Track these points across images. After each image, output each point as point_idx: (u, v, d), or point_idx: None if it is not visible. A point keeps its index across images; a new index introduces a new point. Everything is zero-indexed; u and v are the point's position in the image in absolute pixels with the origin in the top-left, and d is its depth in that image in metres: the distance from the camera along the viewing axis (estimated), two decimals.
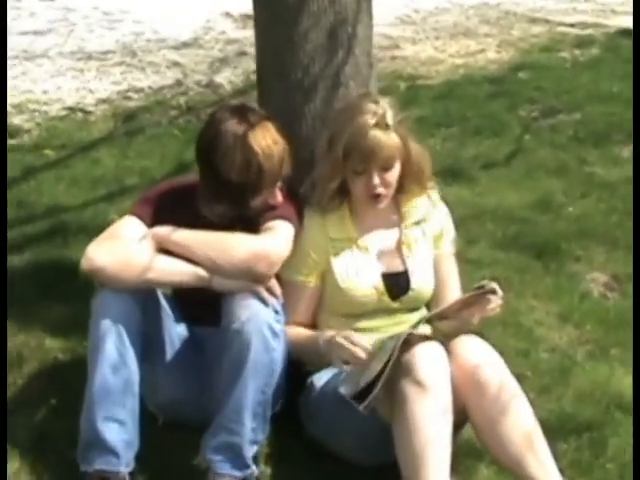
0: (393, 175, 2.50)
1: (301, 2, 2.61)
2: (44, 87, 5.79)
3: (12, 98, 5.55)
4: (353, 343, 2.35)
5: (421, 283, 2.59)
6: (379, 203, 2.53)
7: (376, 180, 2.47)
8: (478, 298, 2.40)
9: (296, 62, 2.65)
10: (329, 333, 2.44)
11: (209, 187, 2.52)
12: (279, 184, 2.52)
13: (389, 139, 2.45)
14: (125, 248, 2.42)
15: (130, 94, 5.71)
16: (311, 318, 2.60)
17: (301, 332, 2.54)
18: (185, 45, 6.67)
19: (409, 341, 2.28)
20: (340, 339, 2.37)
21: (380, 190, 2.49)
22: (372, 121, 2.43)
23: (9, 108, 5.40)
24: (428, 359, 2.26)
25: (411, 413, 2.21)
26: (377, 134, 2.43)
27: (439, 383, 2.24)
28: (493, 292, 2.39)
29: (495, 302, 2.40)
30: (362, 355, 2.33)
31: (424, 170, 2.57)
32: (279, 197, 2.53)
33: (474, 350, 2.38)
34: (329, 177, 2.52)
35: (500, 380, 2.33)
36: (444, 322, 2.50)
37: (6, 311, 2.84)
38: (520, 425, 2.30)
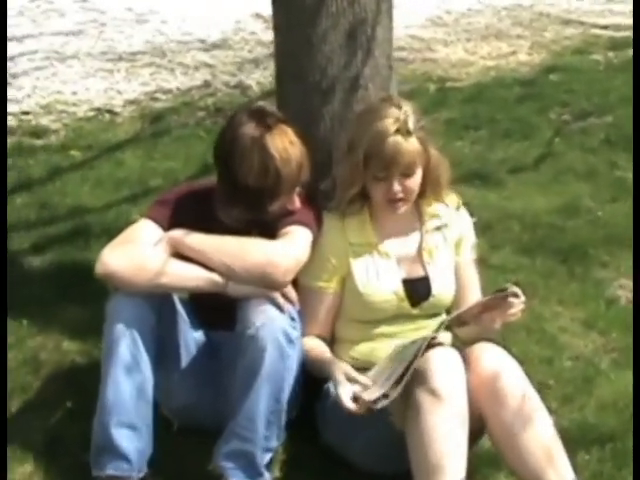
0: (414, 181, 2.46)
1: (319, 3, 2.57)
2: (73, 88, 5.81)
3: (41, 99, 5.59)
4: (352, 380, 2.31)
5: (442, 289, 2.55)
6: (399, 209, 2.49)
7: (397, 187, 2.43)
8: (499, 301, 2.36)
9: (314, 64, 2.61)
10: (335, 366, 2.38)
11: (226, 191, 2.49)
12: (298, 189, 2.49)
13: (410, 145, 2.40)
14: (139, 253, 2.40)
15: (158, 95, 5.71)
16: (330, 325, 2.56)
17: (314, 349, 2.49)
18: (214, 46, 6.66)
19: (432, 345, 2.24)
20: (339, 376, 2.32)
21: (400, 196, 2.45)
22: (393, 127, 2.38)
23: (38, 109, 5.43)
24: (444, 367, 2.21)
25: (426, 423, 2.17)
26: (398, 140, 2.39)
27: (455, 392, 2.19)
28: (515, 295, 2.34)
29: (517, 306, 2.35)
30: (352, 405, 2.26)
31: (441, 178, 2.52)
32: (297, 203, 2.50)
33: (493, 358, 2.34)
34: (350, 182, 2.48)
35: (520, 390, 2.28)
36: (464, 328, 2.46)
37: (6, 311, 2.84)
38: (540, 438, 2.25)
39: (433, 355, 2.23)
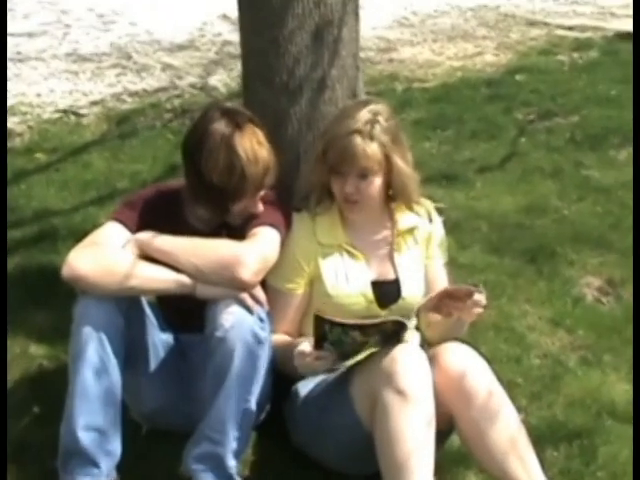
0: (370, 186, 2.45)
1: (286, 4, 2.58)
2: (37, 90, 5.75)
3: None
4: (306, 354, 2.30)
5: (411, 292, 2.55)
6: (352, 211, 2.50)
7: (349, 187, 2.44)
8: (463, 293, 2.37)
9: (281, 64, 2.62)
10: (299, 348, 2.35)
11: (192, 187, 2.48)
12: (262, 193, 2.48)
13: (367, 148, 2.40)
14: (107, 255, 2.38)
15: (124, 97, 5.68)
16: (298, 326, 2.56)
17: (279, 339, 2.49)
18: (180, 47, 6.62)
19: (401, 326, 2.25)
20: (299, 361, 2.31)
21: (354, 198, 2.45)
22: (355, 126, 2.39)
23: None
24: (410, 368, 2.22)
25: (393, 423, 2.17)
26: (356, 140, 2.39)
27: (422, 393, 2.20)
28: (479, 291, 2.35)
29: (479, 303, 2.35)
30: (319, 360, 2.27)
31: (409, 192, 2.52)
32: (260, 207, 2.49)
33: (460, 357, 2.35)
34: (310, 171, 2.50)
35: (486, 388, 2.30)
36: (431, 327, 2.46)
37: (6, 311, 2.80)
38: (506, 432, 2.27)
39: (399, 356, 2.23)
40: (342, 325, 2.25)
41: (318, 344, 2.27)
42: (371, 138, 2.41)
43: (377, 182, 2.46)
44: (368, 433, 2.26)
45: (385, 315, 2.45)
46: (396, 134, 2.46)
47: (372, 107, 2.45)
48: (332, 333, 2.25)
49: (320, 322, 2.25)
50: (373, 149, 2.41)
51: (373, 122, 2.41)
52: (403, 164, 2.47)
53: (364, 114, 2.42)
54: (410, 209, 2.58)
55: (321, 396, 2.41)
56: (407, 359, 2.23)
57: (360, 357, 2.27)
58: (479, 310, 2.38)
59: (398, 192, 2.52)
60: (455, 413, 2.30)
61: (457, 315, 2.40)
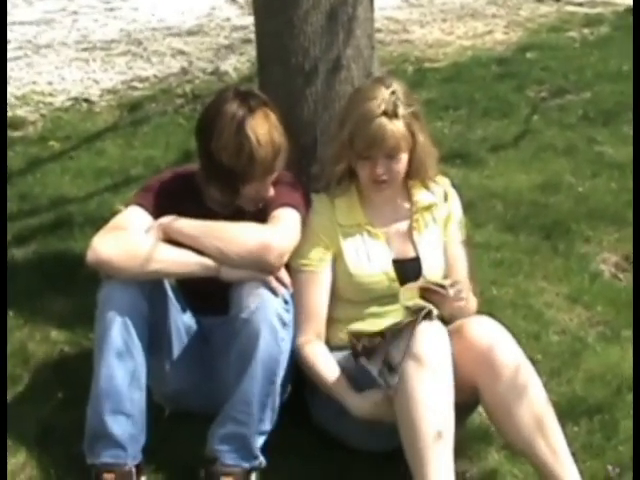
0: (399, 164, 2.45)
1: None
2: (49, 78, 5.76)
3: (16, 90, 5.54)
4: None
5: (432, 269, 2.54)
6: (382, 191, 2.49)
7: (380, 169, 2.43)
8: (435, 291, 2.37)
9: (296, 45, 2.61)
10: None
11: (204, 167, 2.49)
12: (273, 177, 2.48)
13: (395, 128, 2.40)
14: (131, 239, 2.39)
15: (135, 83, 5.68)
16: (324, 308, 2.52)
17: (319, 358, 2.48)
18: (190, 33, 6.63)
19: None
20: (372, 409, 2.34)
21: (384, 178, 2.45)
22: (380, 109, 2.38)
23: (13, 100, 5.38)
24: (429, 337, 2.22)
25: (413, 391, 2.18)
26: (383, 122, 2.38)
27: (441, 362, 2.21)
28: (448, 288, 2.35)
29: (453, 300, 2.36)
30: None
31: (427, 167, 2.53)
32: (271, 191, 2.49)
33: (486, 330, 2.34)
34: (336, 159, 2.49)
35: (514, 361, 2.29)
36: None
37: (6, 310, 2.82)
38: (533, 409, 2.26)
39: (420, 328, 2.24)
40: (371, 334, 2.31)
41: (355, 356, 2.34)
42: (396, 116, 2.40)
43: (405, 159, 2.46)
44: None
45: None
46: (416, 108, 2.46)
47: (388, 83, 2.45)
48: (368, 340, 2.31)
49: (351, 338, 2.33)
50: (400, 128, 2.41)
51: (395, 100, 2.40)
52: (424, 138, 2.48)
53: (384, 93, 2.41)
54: (426, 186, 2.58)
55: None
56: (426, 329, 2.23)
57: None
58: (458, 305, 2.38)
59: (417, 167, 2.52)
60: (481, 387, 2.29)
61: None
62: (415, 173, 2.54)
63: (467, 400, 2.29)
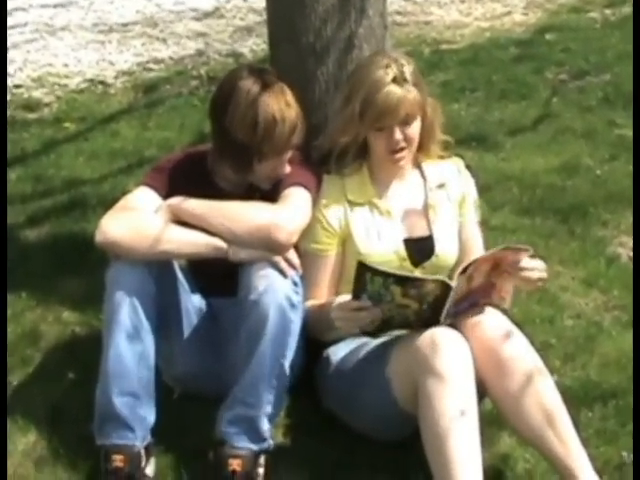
0: (414, 129, 2.43)
1: None
2: (65, 60, 5.76)
3: (32, 72, 5.55)
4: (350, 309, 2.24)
5: (445, 249, 2.52)
6: (401, 159, 2.46)
7: (398, 135, 2.41)
8: (510, 256, 2.27)
9: (308, 25, 2.59)
10: (339, 299, 2.34)
11: (217, 144, 2.47)
12: (289, 154, 2.46)
13: (407, 93, 2.38)
14: (139, 220, 2.38)
15: (151, 65, 5.67)
16: (333, 289, 2.52)
17: (311, 303, 2.47)
18: (206, 15, 6.60)
19: (447, 289, 2.18)
20: (337, 313, 2.26)
21: (402, 145, 2.43)
22: (388, 76, 2.37)
23: (29, 82, 5.39)
24: (451, 353, 2.17)
25: (436, 412, 2.12)
26: (394, 89, 2.37)
27: (463, 377, 2.16)
28: (529, 255, 2.27)
29: (533, 270, 2.29)
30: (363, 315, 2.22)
31: (436, 133, 2.52)
32: (287, 168, 2.47)
33: (494, 324, 2.29)
34: (340, 132, 2.45)
35: (524, 357, 2.25)
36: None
37: (6, 309, 2.82)
38: (542, 402, 2.22)
39: (439, 339, 2.18)
40: (385, 275, 2.15)
41: (356, 296, 2.20)
42: (406, 81, 2.38)
43: (418, 124, 2.44)
44: (403, 410, 2.26)
45: (419, 273, 2.41)
46: (418, 74, 2.44)
47: (388, 53, 2.45)
48: (373, 284, 2.16)
49: (362, 269, 2.16)
50: (411, 91, 2.39)
51: (400, 66, 2.39)
52: (430, 98, 2.47)
53: (387, 61, 2.39)
54: (440, 157, 2.55)
55: (354, 372, 2.37)
56: (447, 344, 2.18)
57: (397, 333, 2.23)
58: (538, 279, 2.33)
59: (427, 134, 2.50)
60: (487, 380, 2.25)
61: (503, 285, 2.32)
62: (427, 134, 2.50)
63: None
